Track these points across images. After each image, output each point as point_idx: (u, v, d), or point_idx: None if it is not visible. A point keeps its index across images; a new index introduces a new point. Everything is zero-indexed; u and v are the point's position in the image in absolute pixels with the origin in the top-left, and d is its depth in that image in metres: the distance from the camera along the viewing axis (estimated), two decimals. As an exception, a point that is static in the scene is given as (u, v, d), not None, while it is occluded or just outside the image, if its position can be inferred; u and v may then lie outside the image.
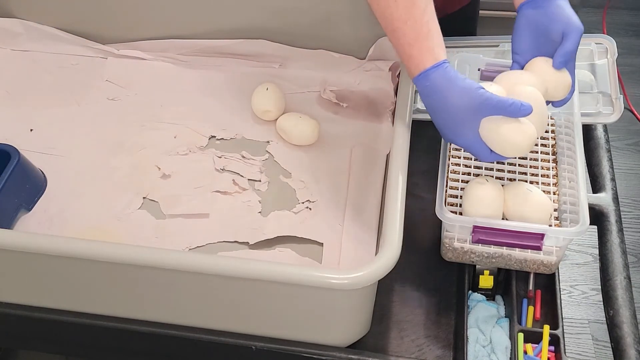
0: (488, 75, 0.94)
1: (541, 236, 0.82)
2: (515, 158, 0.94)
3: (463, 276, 0.92)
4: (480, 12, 1.29)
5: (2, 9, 1.23)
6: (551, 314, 0.89)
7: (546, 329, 0.85)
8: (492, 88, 0.82)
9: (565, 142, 0.93)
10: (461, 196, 0.89)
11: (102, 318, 0.86)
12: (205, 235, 0.97)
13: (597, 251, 0.94)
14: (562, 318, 0.88)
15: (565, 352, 0.85)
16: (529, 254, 0.84)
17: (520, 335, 0.85)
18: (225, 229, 0.98)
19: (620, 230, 0.93)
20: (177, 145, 1.09)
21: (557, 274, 0.91)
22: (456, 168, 0.93)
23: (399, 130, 0.85)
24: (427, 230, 0.99)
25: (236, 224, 0.98)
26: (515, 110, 0.79)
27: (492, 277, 0.89)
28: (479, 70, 1.00)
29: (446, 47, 1.10)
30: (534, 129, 0.81)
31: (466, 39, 1.10)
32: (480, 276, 0.89)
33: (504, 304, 0.91)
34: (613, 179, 0.99)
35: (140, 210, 1.01)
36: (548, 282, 0.92)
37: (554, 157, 0.95)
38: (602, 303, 0.89)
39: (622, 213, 0.97)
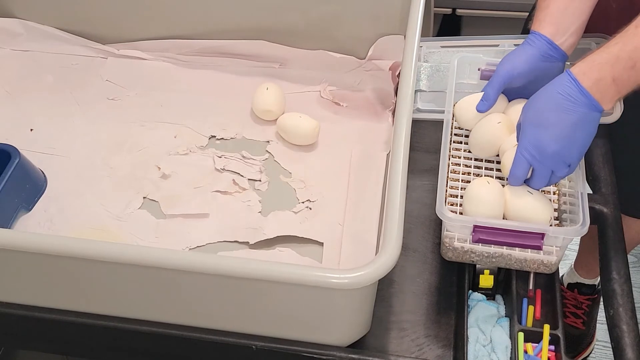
0: (488, 75, 0.95)
1: (541, 236, 0.82)
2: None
3: (463, 276, 0.92)
4: (474, 12, 1.27)
5: (2, 9, 1.23)
6: (551, 313, 0.89)
7: (546, 329, 0.85)
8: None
9: (565, 142, 0.93)
10: (461, 196, 0.89)
11: (102, 318, 0.86)
12: (205, 235, 0.97)
13: (597, 251, 0.94)
14: (562, 318, 0.88)
15: (565, 352, 0.85)
16: (529, 254, 0.84)
17: (521, 335, 0.85)
18: (225, 229, 0.98)
19: (620, 229, 0.93)
20: (177, 145, 1.09)
21: (557, 274, 0.91)
22: (456, 168, 0.93)
23: (399, 130, 0.84)
24: (427, 230, 0.99)
25: (236, 224, 0.98)
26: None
27: (492, 276, 0.89)
28: (479, 70, 1.00)
29: (446, 47, 1.10)
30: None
31: (466, 38, 1.10)
32: (481, 276, 0.89)
33: (504, 304, 0.91)
34: (613, 179, 0.99)
35: (140, 210, 1.01)
36: (548, 282, 0.92)
37: (554, 157, 0.95)
38: (602, 303, 0.89)
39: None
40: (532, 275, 0.92)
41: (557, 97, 0.81)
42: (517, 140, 0.86)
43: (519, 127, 0.85)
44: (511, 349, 0.85)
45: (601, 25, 1.02)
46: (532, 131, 0.82)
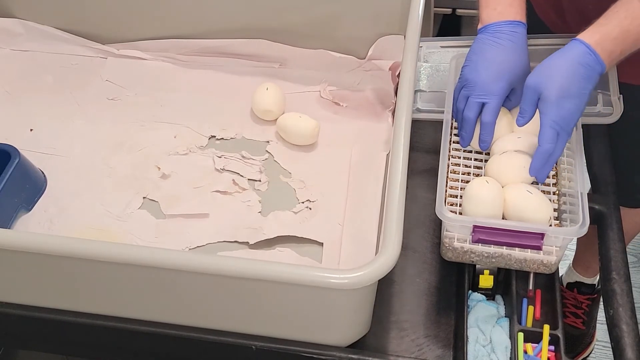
0: None
1: (541, 236, 0.82)
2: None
3: (463, 276, 0.92)
4: (474, 11, 1.27)
5: (2, 9, 1.23)
6: (551, 313, 0.89)
7: (546, 329, 0.85)
8: None
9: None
10: (461, 196, 0.89)
11: (102, 318, 0.86)
12: (205, 235, 0.97)
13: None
14: (562, 318, 0.88)
15: (565, 352, 0.85)
16: (529, 254, 0.84)
17: (520, 335, 0.85)
18: (225, 229, 0.98)
19: (620, 229, 0.93)
20: (177, 145, 1.09)
21: (556, 274, 0.91)
22: (456, 168, 0.93)
23: (399, 130, 0.84)
24: (427, 230, 0.99)
25: (236, 224, 0.98)
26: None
27: (492, 276, 0.89)
28: None
29: (446, 47, 1.10)
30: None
31: (466, 38, 1.10)
32: (480, 276, 0.89)
33: (504, 304, 0.91)
34: (613, 179, 0.99)
35: (140, 210, 1.01)
36: (548, 282, 0.92)
37: (554, 157, 0.95)
38: (602, 303, 0.89)
39: (621, 213, 0.97)
40: (531, 276, 0.92)
41: (579, 69, 0.83)
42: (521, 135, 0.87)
43: None
44: (511, 349, 0.85)
45: (579, 26, 1.03)
46: (559, 104, 0.83)
